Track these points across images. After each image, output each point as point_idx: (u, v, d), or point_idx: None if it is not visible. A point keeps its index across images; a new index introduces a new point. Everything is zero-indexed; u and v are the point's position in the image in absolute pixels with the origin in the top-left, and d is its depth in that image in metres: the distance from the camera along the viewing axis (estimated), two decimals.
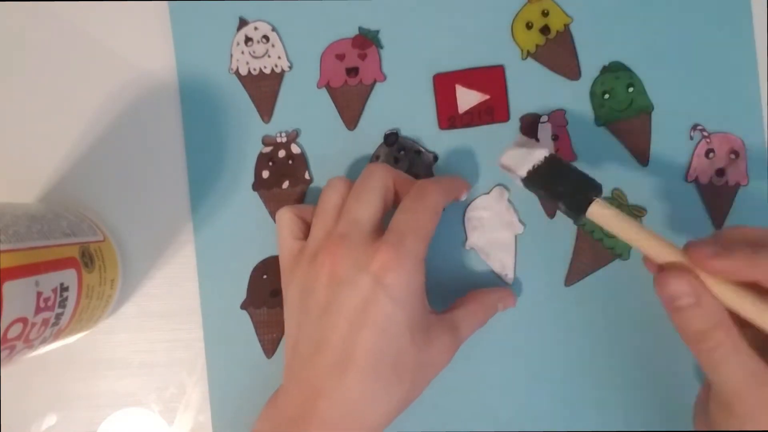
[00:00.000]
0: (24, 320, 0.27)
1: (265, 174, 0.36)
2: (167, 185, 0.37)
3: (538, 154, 0.31)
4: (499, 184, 0.36)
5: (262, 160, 0.36)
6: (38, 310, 0.28)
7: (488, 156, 0.37)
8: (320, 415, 0.29)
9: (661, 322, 0.36)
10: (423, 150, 0.36)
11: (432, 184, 0.32)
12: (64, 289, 0.29)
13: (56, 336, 0.30)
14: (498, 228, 0.36)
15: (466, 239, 0.36)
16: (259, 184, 0.36)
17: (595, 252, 0.36)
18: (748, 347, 0.26)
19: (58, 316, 0.29)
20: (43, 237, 0.29)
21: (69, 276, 0.30)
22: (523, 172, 0.31)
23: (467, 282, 0.36)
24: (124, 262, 0.36)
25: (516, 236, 0.36)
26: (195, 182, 0.37)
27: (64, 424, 0.36)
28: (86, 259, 0.32)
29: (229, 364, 0.36)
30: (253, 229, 0.36)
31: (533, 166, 0.31)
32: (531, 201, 0.36)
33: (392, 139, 0.36)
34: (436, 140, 0.37)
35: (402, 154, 0.36)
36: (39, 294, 0.27)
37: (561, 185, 0.30)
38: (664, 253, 0.28)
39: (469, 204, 0.36)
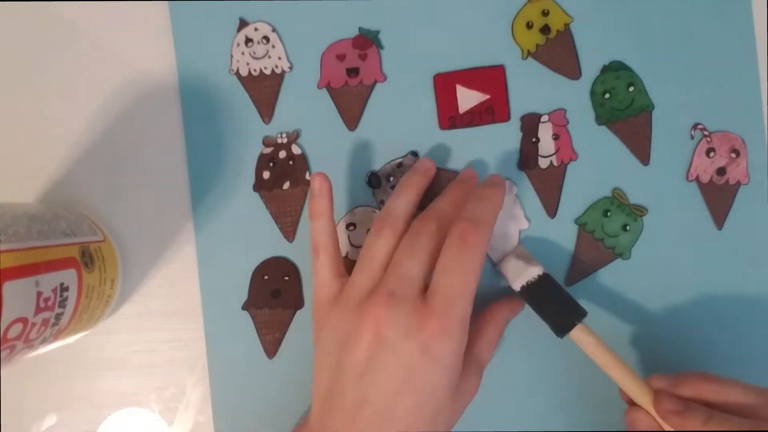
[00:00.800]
0: (24, 320, 0.27)
1: (266, 175, 0.36)
2: (167, 185, 0.37)
3: (533, 272, 0.33)
4: (507, 178, 0.36)
5: (263, 161, 0.36)
6: (38, 310, 0.28)
7: (490, 156, 0.37)
8: None
9: (661, 321, 0.36)
10: (401, 159, 0.36)
11: (474, 233, 0.30)
12: (64, 289, 0.29)
13: (56, 336, 0.30)
14: (504, 221, 0.36)
15: None
16: (259, 185, 0.36)
17: (596, 252, 0.36)
18: None
19: (58, 316, 0.29)
20: (43, 237, 0.29)
21: (69, 276, 0.30)
22: (517, 287, 0.34)
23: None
24: (124, 262, 0.36)
25: (520, 232, 0.36)
26: (196, 182, 0.37)
27: (64, 424, 0.36)
28: (86, 259, 0.32)
29: (231, 365, 0.36)
30: (254, 230, 0.37)
31: (528, 282, 0.33)
32: (532, 200, 0.36)
33: (375, 181, 0.36)
34: (437, 141, 0.37)
35: (392, 180, 0.36)
36: (39, 294, 0.27)
37: (550, 304, 0.33)
38: (634, 392, 0.31)
39: None
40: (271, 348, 0.36)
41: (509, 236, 0.36)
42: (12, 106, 0.37)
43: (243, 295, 0.36)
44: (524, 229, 0.36)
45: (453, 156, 0.37)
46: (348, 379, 0.29)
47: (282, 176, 0.36)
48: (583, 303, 0.36)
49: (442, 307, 0.29)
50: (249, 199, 0.37)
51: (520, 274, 0.33)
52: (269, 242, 0.36)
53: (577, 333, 0.32)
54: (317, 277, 0.33)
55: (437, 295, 0.29)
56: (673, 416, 0.30)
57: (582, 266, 0.36)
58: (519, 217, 0.36)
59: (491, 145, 0.36)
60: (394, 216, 0.32)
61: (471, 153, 0.37)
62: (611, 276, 0.36)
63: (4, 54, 0.37)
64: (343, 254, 0.36)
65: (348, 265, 0.35)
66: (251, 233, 0.37)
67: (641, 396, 0.31)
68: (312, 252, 0.33)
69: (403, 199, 0.33)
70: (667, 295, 0.36)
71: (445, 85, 0.36)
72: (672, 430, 0.30)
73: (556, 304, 0.33)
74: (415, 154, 0.36)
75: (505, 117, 0.36)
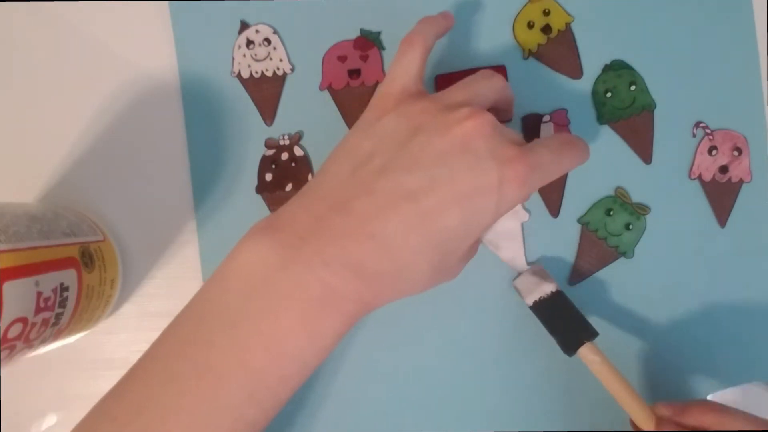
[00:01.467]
0: (24, 320, 0.27)
1: (269, 177, 0.36)
2: (168, 185, 0.37)
3: (547, 288, 0.34)
4: None
5: (266, 163, 0.36)
6: (38, 309, 0.28)
7: None
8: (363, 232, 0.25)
9: (665, 319, 0.36)
10: None
11: (577, 146, 0.30)
12: (64, 289, 0.29)
13: (56, 336, 0.30)
14: (504, 218, 0.36)
15: None
16: (262, 187, 0.36)
17: (599, 251, 0.36)
18: None
19: (58, 316, 0.29)
20: (43, 237, 0.29)
21: (69, 276, 0.30)
22: (530, 301, 0.34)
23: (479, 277, 0.36)
24: (124, 262, 0.36)
25: (522, 224, 0.36)
26: (198, 184, 0.37)
27: (64, 424, 0.36)
28: (86, 259, 0.32)
29: None
30: None
31: (540, 298, 0.34)
32: (535, 200, 0.37)
33: None
34: None
35: None
36: (39, 294, 0.28)
37: (560, 321, 0.34)
38: (638, 416, 0.32)
39: None
40: None
41: (513, 231, 0.36)
42: (12, 106, 0.37)
43: None
44: (526, 221, 0.36)
45: None
46: (400, 161, 0.26)
47: (284, 178, 0.36)
48: (586, 302, 0.36)
49: (534, 164, 0.27)
50: (252, 201, 0.37)
51: (534, 290, 0.34)
52: None
53: (585, 352, 0.33)
54: (402, 66, 0.30)
55: (534, 154, 0.27)
56: None
57: (585, 265, 0.36)
58: (518, 210, 0.36)
59: None
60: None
61: None
62: (615, 275, 0.36)
63: (4, 54, 0.37)
64: None
65: None
66: None
67: (645, 421, 0.32)
68: (403, 44, 0.31)
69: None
70: (671, 293, 0.36)
71: (446, 86, 0.36)
72: None
73: (567, 322, 0.33)
74: None
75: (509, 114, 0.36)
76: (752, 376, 0.36)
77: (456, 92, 0.29)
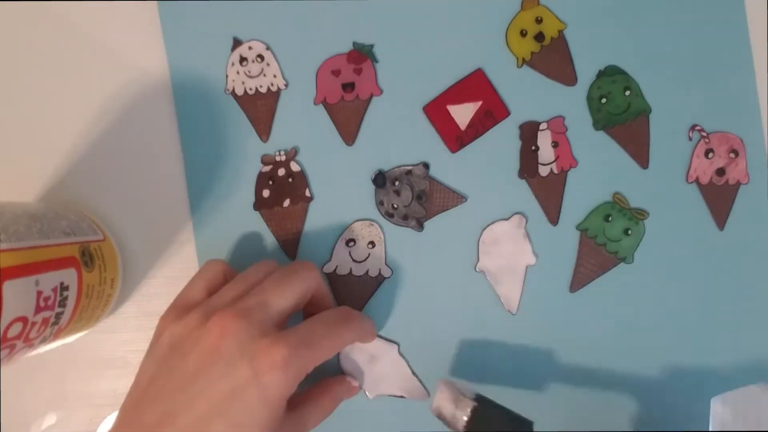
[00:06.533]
0: (24, 319, 0.27)
1: (266, 193, 0.36)
2: (168, 185, 0.37)
3: (465, 406, 0.30)
4: (518, 213, 0.36)
5: (262, 180, 0.36)
6: (38, 309, 0.28)
7: (503, 169, 0.37)
8: None
9: (666, 323, 0.36)
10: (411, 167, 0.36)
11: (357, 319, 0.32)
12: (64, 288, 0.29)
13: (56, 335, 0.30)
14: (511, 256, 0.36)
15: (478, 261, 0.36)
16: (260, 204, 0.36)
17: (598, 257, 0.36)
18: None
19: (58, 316, 0.29)
20: (43, 236, 0.29)
21: (69, 275, 0.30)
22: (461, 429, 0.30)
23: (470, 303, 0.36)
24: (124, 262, 0.36)
25: (527, 267, 0.36)
26: (195, 201, 0.37)
27: (64, 424, 0.36)
28: (86, 258, 0.31)
29: None
30: (256, 250, 0.36)
31: (465, 420, 0.30)
32: (533, 208, 0.36)
33: (380, 180, 0.36)
34: (453, 164, 0.36)
35: (397, 184, 0.36)
36: (39, 293, 0.27)
37: (497, 427, 0.30)
38: None
39: (486, 227, 0.36)
40: None
41: (516, 270, 0.36)
42: (12, 106, 0.37)
43: None
44: (531, 265, 0.36)
45: (468, 177, 0.37)
46: (168, 387, 0.28)
47: (282, 194, 0.36)
48: (588, 309, 0.36)
49: (295, 342, 0.28)
50: (250, 218, 0.36)
51: (456, 415, 0.30)
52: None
53: None
54: (187, 284, 0.32)
55: (296, 333, 0.28)
56: None
57: (585, 272, 0.36)
58: (526, 252, 0.36)
59: (501, 151, 0.36)
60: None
61: (484, 170, 0.36)
62: (615, 280, 0.36)
63: (3, 54, 0.37)
64: (346, 270, 0.36)
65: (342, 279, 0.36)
66: (252, 254, 0.36)
67: None
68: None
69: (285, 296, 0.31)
70: (671, 297, 0.36)
71: (436, 111, 0.36)
72: None
73: (503, 425, 0.30)
74: (426, 165, 0.36)
75: (504, 113, 0.36)
76: (753, 379, 0.36)
77: (227, 291, 0.31)
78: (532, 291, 0.36)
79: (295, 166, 0.36)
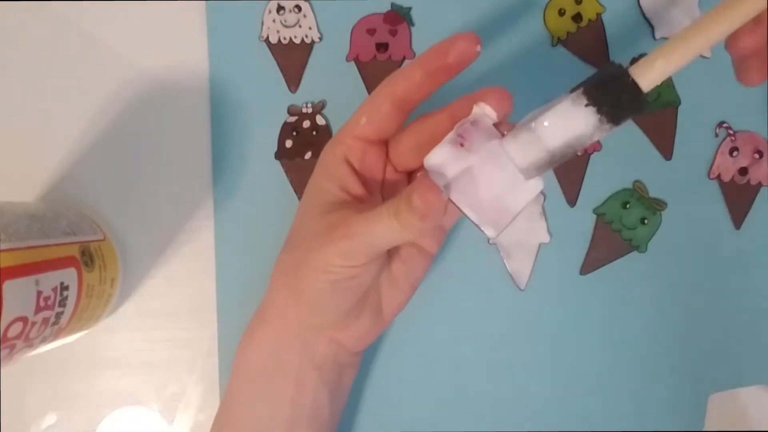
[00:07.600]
0: (24, 319, 0.26)
1: (289, 143, 0.36)
2: (168, 184, 0.37)
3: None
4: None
5: (286, 130, 0.36)
6: (38, 309, 0.27)
7: None
8: None
9: (673, 316, 0.36)
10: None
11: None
12: (64, 288, 0.29)
13: (56, 335, 0.30)
14: (525, 232, 0.36)
15: None
16: (281, 153, 0.36)
17: (612, 243, 0.36)
18: None
19: (58, 315, 0.29)
20: (43, 236, 0.29)
21: (69, 275, 0.30)
22: (552, 144, 0.24)
23: (479, 274, 0.36)
24: (124, 262, 0.36)
25: (540, 245, 0.36)
26: (218, 149, 0.36)
27: (64, 424, 0.36)
28: (86, 258, 0.31)
29: None
30: (273, 200, 0.36)
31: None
32: (553, 187, 0.36)
33: None
34: None
35: None
36: (39, 293, 0.27)
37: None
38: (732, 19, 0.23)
39: None
40: None
41: (529, 247, 0.36)
42: (12, 106, 0.37)
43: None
44: (545, 243, 0.36)
45: None
46: None
47: (304, 146, 0.36)
48: (597, 293, 0.36)
49: None
50: (269, 167, 0.36)
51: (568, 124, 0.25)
52: (288, 222, 0.35)
53: (642, 81, 0.25)
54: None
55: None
56: None
57: (598, 256, 0.36)
58: (541, 229, 0.36)
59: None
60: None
61: None
62: (626, 268, 0.36)
63: (4, 52, 0.37)
64: None
65: None
66: (270, 202, 0.36)
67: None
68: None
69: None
70: (681, 291, 0.36)
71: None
72: None
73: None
74: None
75: None
76: (755, 380, 0.36)
77: None
78: (543, 269, 0.36)
79: (320, 120, 0.36)
